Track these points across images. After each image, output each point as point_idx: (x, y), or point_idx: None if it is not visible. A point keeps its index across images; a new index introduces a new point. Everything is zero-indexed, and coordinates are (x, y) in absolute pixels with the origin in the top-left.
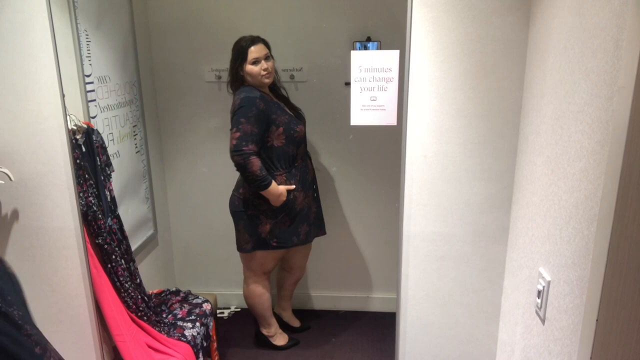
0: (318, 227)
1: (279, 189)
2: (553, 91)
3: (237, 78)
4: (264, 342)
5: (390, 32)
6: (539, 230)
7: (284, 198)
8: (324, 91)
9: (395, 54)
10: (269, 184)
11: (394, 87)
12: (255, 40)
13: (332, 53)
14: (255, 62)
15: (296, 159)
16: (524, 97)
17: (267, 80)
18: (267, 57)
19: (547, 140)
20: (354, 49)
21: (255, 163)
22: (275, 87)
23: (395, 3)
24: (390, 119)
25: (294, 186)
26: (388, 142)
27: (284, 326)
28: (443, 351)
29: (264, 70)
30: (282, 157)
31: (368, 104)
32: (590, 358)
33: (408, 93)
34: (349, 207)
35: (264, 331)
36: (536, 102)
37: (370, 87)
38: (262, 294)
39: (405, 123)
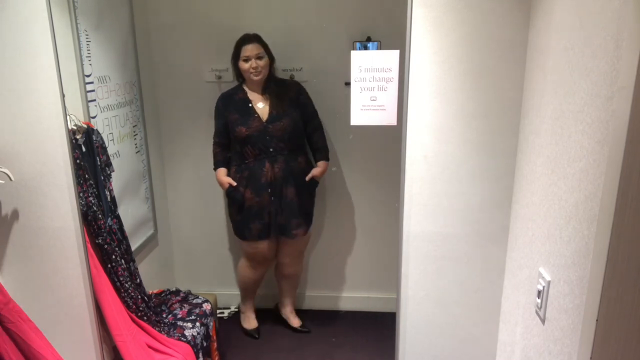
0: (280, 229)
1: (220, 178)
2: (553, 91)
3: (237, 71)
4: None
5: (390, 32)
6: (539, 230)
7: (223, 187)
8: (324, 91)
9: (395, 54)
10: (215, 167)
11: (394, 87)
12: (250, 39)
13: (332, 53)
14: (246, 59)
15: (245, 157)
16: (524, 97)
17: (255, 78)
18: (260, 56)
19: (547, 140)
20: (354, 49)
21: (214, 149)
22: (269, 84)
23: (395, 3)
24: (390, 119)
25: (233, 184)
26: (388, 142)
27: (284, 324)
28: (443, 351)
29: (253, 68)
30: (235, 151)
31: (368, 104)
32: (590, 358)
33: (408, 93)
34: (349, 207)
35: (240, 306)
36: (536, 102)
37: (370, 87)
38: (243, 273)
39: (405, 123)
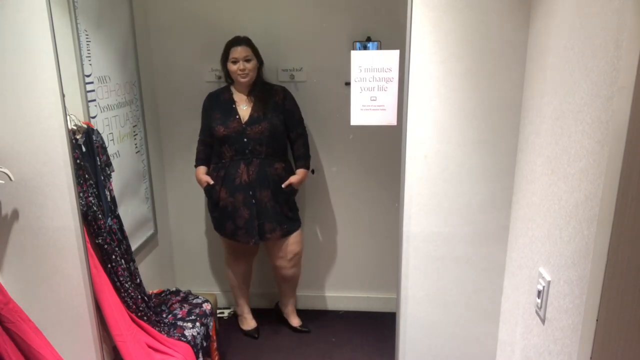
0: (249, 235)
1: (199, 176)
2: (553, 91)
3: (226, 72)
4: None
5: (390, 32)
6: (539, 230)
7: (201, 184)
8: (324, 91)
9: (395, 54)
10: (195, 165)
11: (394, 87)
12: (239, 41)
13: (332, 53)
14: (235, 61)
15: (222, 156)
16: (524, 97)
17: (241, 80)
18: (248, 59)
19: (547, 140)
20: (354, 49)
21: (197, 146)
22: (256, 87)
23: (395, 3)
24: (390, 119)
25: (210, 182)
26: (388, 142)
27: (284, 323)
28: (443, 351)
29: (240, 70)
30: (215, 150)
31: (368, 104)
32: (590, 358)
33: (408, 93)
34: (349, 207)
35: (236, 308)
36: (536, 102)
37: (370, 87)
38: (228, 267)
39: (405, 123)
